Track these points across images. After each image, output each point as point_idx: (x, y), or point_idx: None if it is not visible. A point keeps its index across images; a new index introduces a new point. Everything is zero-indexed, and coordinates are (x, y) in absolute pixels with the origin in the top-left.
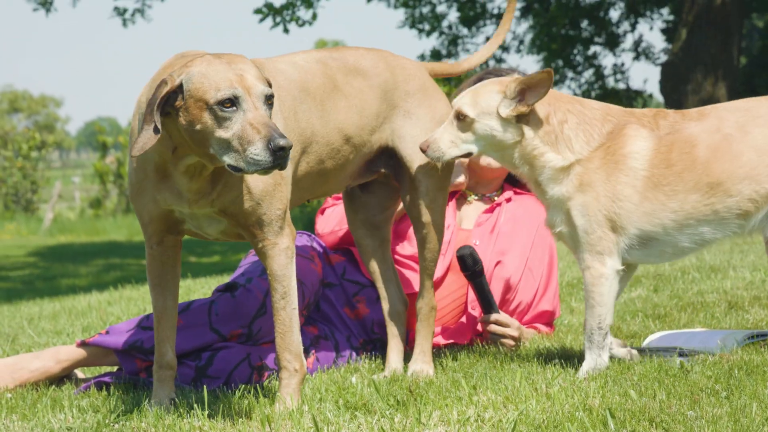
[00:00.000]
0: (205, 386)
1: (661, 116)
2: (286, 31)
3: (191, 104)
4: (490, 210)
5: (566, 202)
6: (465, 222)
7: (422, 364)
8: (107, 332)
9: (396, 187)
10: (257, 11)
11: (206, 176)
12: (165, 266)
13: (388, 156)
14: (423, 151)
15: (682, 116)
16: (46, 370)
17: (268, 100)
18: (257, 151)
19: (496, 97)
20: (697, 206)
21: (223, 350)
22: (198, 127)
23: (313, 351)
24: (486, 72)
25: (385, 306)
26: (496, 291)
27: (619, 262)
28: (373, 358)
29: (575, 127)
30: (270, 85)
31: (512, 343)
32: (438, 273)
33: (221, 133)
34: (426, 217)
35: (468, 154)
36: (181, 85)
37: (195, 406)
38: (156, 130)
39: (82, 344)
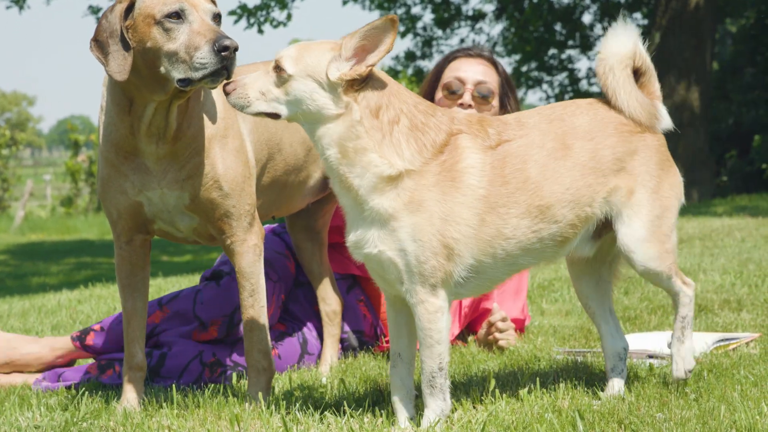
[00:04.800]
0: (173, 385)
1: (486, 123)
2: (260, 32)
3: (140, 22)
4: None
5: (391, 220)
6: None
7: None
8: (101, 329)
9: (329, 196)
10: (231, 13)
11: (170, 138)
12: (134, 267)
13: None
14: (226, 93)
15: (502, 124)
16: (39, 357)
17: (216, 18)
18: (203, 54)
19: (327, 56)
20: (527, 233)
21: (174, 347)
22: (148, 44)
23: (275, 347)
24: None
25: (323, 306)
26: None
27: (451, 292)
28: (343, 356)
29: (407, 132)
30: (216, 5)
31: (513, 342)
32: None
33: (169, 46)
34: None
35: (275, 116)
36: (132, 4)
37: (164, 405)
38: (126, 47)
39: (81, 346)
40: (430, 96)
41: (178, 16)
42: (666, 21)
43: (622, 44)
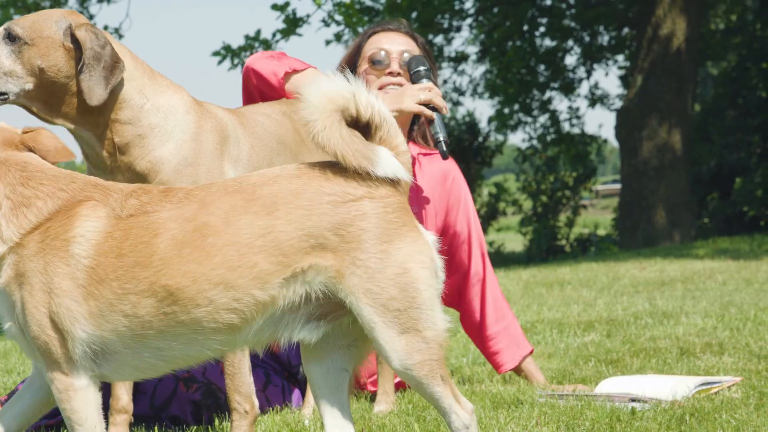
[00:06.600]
0: (155, 426)
1: (137, 194)
2: None
3: None
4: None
5: (7, 296)
6: None
7: (385, 404)
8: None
9: None
10: (215, 53)
11: (110, 169)
12: None
13: None
14: None
15: (163, 195)
16: None
17: (7, 36)
18: None
19: None
20: (156, 314)
21: None
22: None
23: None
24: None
25: None
26: None
27: (88, 367)
28: None
29: (8, 213)
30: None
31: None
32: None
33: None
34: None
35: None
36: None
37: None
38: None
39: None
40: (350, 69)
41: None
42: (648, 64)
43: (327, 92)
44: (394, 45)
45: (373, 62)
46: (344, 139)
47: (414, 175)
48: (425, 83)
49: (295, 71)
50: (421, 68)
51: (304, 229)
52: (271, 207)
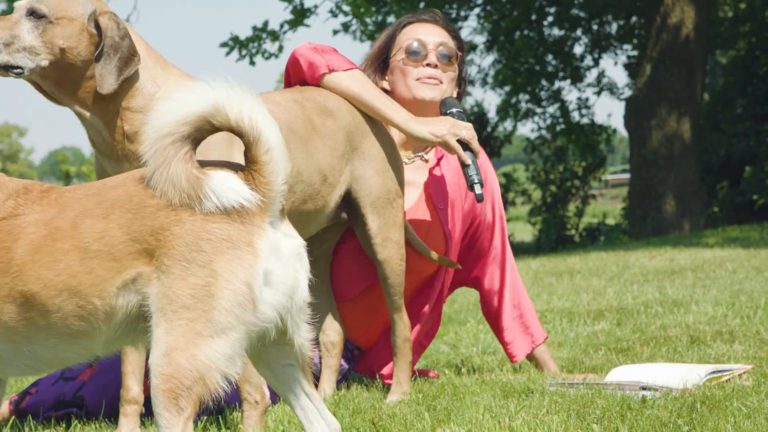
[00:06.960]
0: None
1: (17, 195)
2: (252, 63)
3: None
4: (432, 171)
5: None
6: (410, 187)
7: (398, 395)
8: (36, 391)
9: (337, 223)
10: (223, 44)
11: (116, 158)
12: None
13: (346, 198)
14: None
15: (39, 197)
16: None
17: (30, 13)
18: None
19: None
20: (19, 321)
21: None
22: None
23: None
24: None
25: (321, 337)
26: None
27: None
28: (336, 387)
29: None
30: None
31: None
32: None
33: None
34: (382, 254)
35: None
36: None
37: None
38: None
39: (16, 409)
40: (380, 59)
41: None
42: (657, 53)
43: (170, 112)
44: (431, 36)
45: (410, 53)
46: (171, 181)
47: (440, 166)
48: (465, 123)
49: (333, 70)
50: (454, 110)
51: (129, 233)
52: (109, 210)
